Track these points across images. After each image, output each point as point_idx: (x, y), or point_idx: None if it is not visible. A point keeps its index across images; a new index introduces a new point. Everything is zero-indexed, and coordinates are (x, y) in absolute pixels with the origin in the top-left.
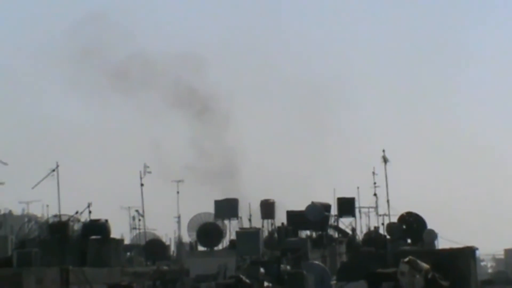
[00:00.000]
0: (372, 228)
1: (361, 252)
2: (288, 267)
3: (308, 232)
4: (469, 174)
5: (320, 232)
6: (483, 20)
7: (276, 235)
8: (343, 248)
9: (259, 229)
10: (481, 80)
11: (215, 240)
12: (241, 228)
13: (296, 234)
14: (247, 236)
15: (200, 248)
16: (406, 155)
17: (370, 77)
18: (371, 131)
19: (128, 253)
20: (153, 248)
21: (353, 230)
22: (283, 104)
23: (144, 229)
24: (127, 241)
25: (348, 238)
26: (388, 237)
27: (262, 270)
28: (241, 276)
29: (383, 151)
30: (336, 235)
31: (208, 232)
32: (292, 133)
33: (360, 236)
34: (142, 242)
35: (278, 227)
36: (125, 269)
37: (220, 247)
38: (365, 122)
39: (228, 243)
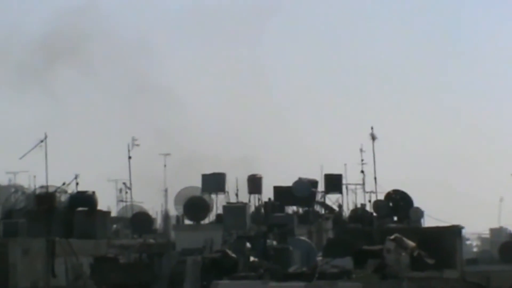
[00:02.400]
0: (358, 205)
1: (347, 228)
2: (274, 243)
3: (294, 208)
4: (457, 153)
5: (306, 208)
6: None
7: (262, 210)
8: (329, 225)
9: (246, 204)
10: (475, 60)
11: (202, 214)
12: (228, 203)
13: (282, 210)
14: (234, 210)
15: (187, 222)
16: (395, 133)
17: (359, 54)
18: (359, 107)
19: (115, 226)
20: (140, 221)
21: (340, 206)
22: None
23: (131, 202)
24: (113, 214)
25: (335, 215)
26: (374, 214)
27: (248, 245)
28: (227, 250)
29: (371, 128)
30: (322, 211)
31: (195, 206)
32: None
33: (346, 213)
34: (129, 215)
35: (265, 203)
36: (112, 242)
37: (206, 221)
38: (354, 99)
39: (214, 217)
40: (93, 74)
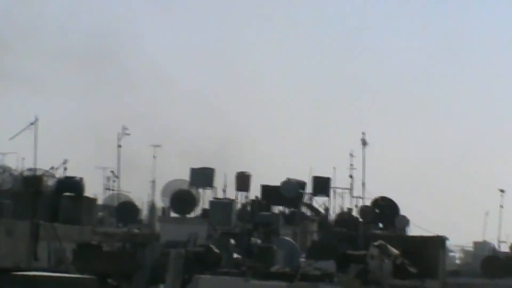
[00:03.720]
0: (345, 210)
1: (332, 232)
2: (259, 241)
3: (281, 208)
4: (446, 166)
5: (293, 209)
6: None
7: (249, 208)
8: (314, 227)
9: (232, 200)
10: (468, 64)
11: (188, 207)
12: (215, 198)
13: (269, 209)
14: (220, 206)
15: (173, 214)
16: (385, 139)
17: (353, 58)
18: (352, 112)
19: (100, 213)
20: (125, 210)
21: (326, 209)
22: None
23: (118, 190)
24: (100, 202)
25: (321, 218)
26: (360, 220)
27: (232, 241)
28: (211, 246)
29: (363, 133)
30: (308, 213)
31: (181, 199)
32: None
33: (332, 216)
34: (115, 204)
35: (252, 201)
36: (96, 229)
37: (192, 215)
38: (346, 103)
39: (200, 212)
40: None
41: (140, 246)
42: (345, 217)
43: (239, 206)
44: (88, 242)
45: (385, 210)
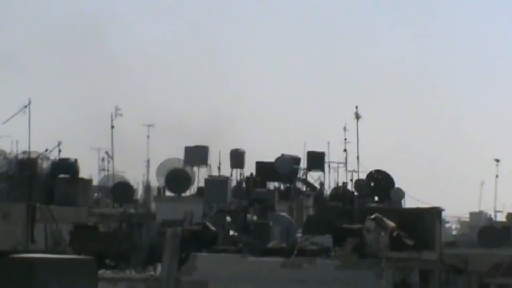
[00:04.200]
0: (340, 184)
1: (328, 206)
2: (255, 218)
3: (276, 184)
4: (440, 137)
5: (288, 185)
6: None
7: (244, 185)
8: (310, 202)
9: (227, 177)
10: (461, 42)
11: (183, 186)
12: (210, 176)
13: (264, 185)
14: (216, 184)
15: (168, 193)
16: (379, 113)
17: (347, 32)
18: (345, 86)
19: (96, 194)
20: (121, 190)
21: (321, 184)
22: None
23: (113, 171)
24: (95, 183)
25: (316, 193)
26: (355, 193)
27: (228, 219)
28: (207, 223)
29: (356, 107)
30: (304, 188)
31: (176, 178)
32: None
33: (328, 191)
34: (110, 184)
35: (247, 177)
36: (92, 210)
37: (188, 193)
38: (340, 77)
39: (196, 190)
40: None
41: (136, 226)
42: (340, 191)
43: (234, 183)
44: (85, 223)
45: (380, 183)
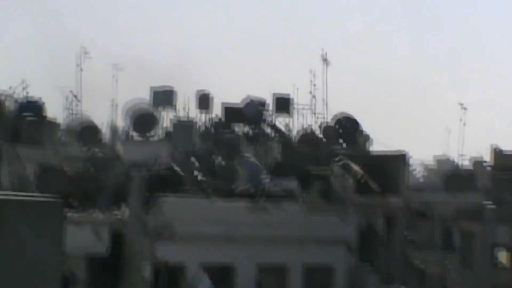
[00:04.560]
0: (307, 129)
1: (295, 151)
2: (222, 161)
3: (243, 127)
4: (408, 80)
5: (255, 128)
6: None
7: (212, 129)
8: (278, 147)
9: (194, 121)
10: None
11: (150, 127)
12: (177, 118)
13: (231, 128)
14: (182, 127)
15: (135, 135)
16: (346, 57)
17: None
18: (313, 31)
19: (63, 137)
20: (88, 133)
21: (289, 130)
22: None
23: (81, 113)
24: (60, 122)
25: (283, 137)
26: (323, 139)
27: (195, 162)
28: (174, 166)
29: (322, 50)
30: (271, 133)
31: (143, 120)
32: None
33: (295, 136)
34: (77, 126)
35: (214, 121)
36: (59, 152)
37: (156, 137)
38: (307, 20)
39: (163, 133)
40: None
41: (103, 168)
42: (308, 136)
43: (201, 126)
44: (51, 165)
45: (347, 128)
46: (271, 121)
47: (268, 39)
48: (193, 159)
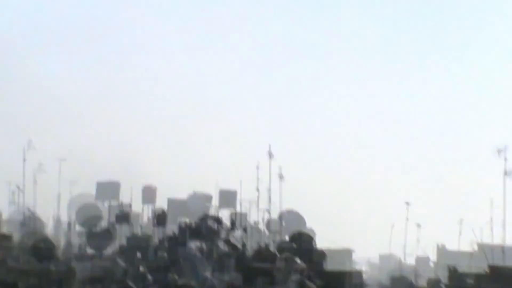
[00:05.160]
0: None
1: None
2: (165, 255)
3: (187, 221)
4: (352, 177)
5: (199, 223)
6: None
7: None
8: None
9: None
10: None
11: (93, 220)
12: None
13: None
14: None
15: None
16: (292, 152)
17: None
18: (257, 127)
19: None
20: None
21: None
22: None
23: (24, 205)
24: (5, 216)
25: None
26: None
27: (149, 277)
28: (129, 282)
29: (269, 146)
30: (215, 226)
31: (87, 213)
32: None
33: (239, 228)
34: (20, 218)
35: (158, 215)
36: (11, 266)
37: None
38: (252, 118)
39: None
40: None
41: (57, 283)
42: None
43: (145, 219)
44: (3, 280)
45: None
46: (216, 213)
47: (215, 134)
48: (147, 274)
